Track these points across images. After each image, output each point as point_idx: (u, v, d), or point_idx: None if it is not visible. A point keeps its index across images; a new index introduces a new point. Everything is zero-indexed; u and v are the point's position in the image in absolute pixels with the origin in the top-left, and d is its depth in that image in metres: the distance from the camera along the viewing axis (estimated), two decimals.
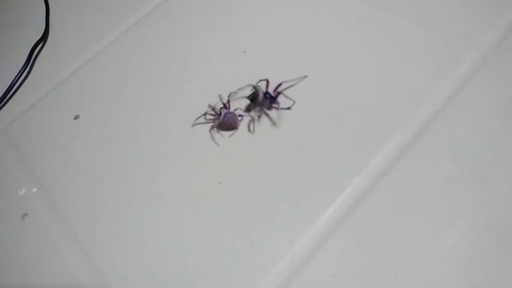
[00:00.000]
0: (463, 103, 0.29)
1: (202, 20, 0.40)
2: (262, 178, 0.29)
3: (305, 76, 0.32)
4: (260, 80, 0.32)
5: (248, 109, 0.32)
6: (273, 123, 0.31)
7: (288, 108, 0.31)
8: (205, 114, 0.33)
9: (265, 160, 0.30)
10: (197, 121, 0.33)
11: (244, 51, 0.36)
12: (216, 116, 0.32)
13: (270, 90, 0.32)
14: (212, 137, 0.32)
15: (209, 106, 0.33)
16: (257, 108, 0.31)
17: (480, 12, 0.33)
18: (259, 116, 0.31)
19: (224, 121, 0.31)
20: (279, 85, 0.32)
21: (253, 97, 0.32)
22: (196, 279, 0.27)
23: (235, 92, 0.33)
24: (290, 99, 0.31)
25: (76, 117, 0.37)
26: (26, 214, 0.32)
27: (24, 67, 0.41)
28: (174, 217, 0.29)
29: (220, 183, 0.30)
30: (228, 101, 0.33)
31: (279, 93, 0.31)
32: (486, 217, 0.25)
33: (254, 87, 0.32)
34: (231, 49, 0.37)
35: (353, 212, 0.27)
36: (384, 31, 0.34)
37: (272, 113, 0.31)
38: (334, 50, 0.34)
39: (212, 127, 0.32)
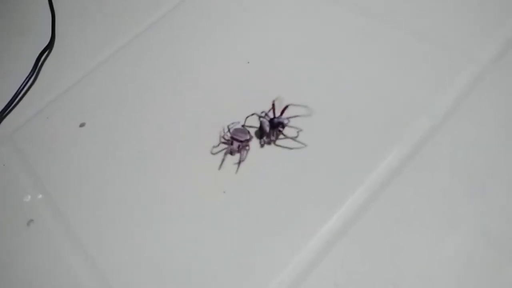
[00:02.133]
0: (462, 116, 0.30)
1: (207, 30, 0.41)
2: (265, 188, 0.30)
3: (309, 112, 0.32)
4: (262, 112, 0.32)
5: (258, 137, 0.32)
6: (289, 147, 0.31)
7: (295, 137, 0.31)
8: (220, 146, 0.33)
9: (268, 170, 0.31)
10: (215, 150, 0.33)
11: (248, 62, 0.37)
12: (229, 143, 0.32)
13: (277, 113, 0.32)
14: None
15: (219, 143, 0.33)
16: (266, 138, 0.32)
17: (479, 28, 0.34)
18: (270, 143, 0.32)
19: (236, 137, 0.31)
20: (286, 107, 0.32)
21: (260, 132, 0.32)
22: (199, 287, 0.27)
23: (237, 122, 0.33)
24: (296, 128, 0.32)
25: (82, 125, 0.37)
26: (31, 220, 0.33)
27: (30, 74, 0.41)
28: (178, 225, 0.30)
29: (224, 192, 0.30)
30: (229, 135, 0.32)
31: (283, 124, 0.31)
32: (484, 228, 0.26)
33: (260, 121, 0.32)
34: (236, 59, 0.38)
35: (354, 223, 0.27)
36: (385, 44, 0.35)
37: (283, 138, 0.31)
38: (335, 63, 0.35)
39: (230, 153, 0.32)
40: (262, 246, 0.28)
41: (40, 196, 0.34)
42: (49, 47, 0.44)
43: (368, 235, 0.27)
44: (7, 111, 0.40)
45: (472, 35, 0.34)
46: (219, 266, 0.27)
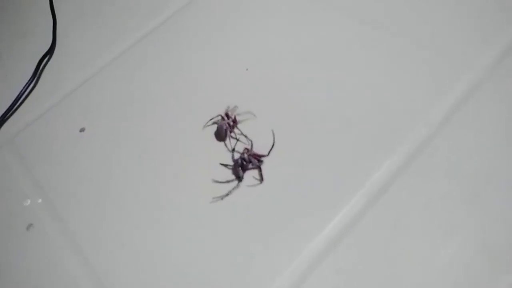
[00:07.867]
0: (459, 123, 0.30)
1: (207, 37, 0.41)
2: (263, 194, 0.30)
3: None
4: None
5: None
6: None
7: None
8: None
9: (266, 175, 0.31)
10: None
11: (247, 69, 0.37)
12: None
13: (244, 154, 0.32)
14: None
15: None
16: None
17: (476, 36, 0.34)
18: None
19: (217, 129, 0.33)
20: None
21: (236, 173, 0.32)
22: None
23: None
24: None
25: (82, 130, 0.37)
26: (31, 224, 0.33)
27: (31, 79, 0.42)
28: (176, 230, 0.30)
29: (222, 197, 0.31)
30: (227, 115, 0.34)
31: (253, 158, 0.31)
32: (480, 236, 0.26)
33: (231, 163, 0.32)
34: (235, 66, 0.38)
35: (351, 229, 0.27)
36: (383, 51, 0.35)
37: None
38: (334, 69, 0.35)
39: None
40: (259, 251, 0.28)
41: (39, 200, 0.34)
42: (50, 52, 0.44)
43: (364, 241, 0.27)
44: (8, 115, 0.40)
45: (471, 43, 0.34)
46: (216, 270, 0.28)
